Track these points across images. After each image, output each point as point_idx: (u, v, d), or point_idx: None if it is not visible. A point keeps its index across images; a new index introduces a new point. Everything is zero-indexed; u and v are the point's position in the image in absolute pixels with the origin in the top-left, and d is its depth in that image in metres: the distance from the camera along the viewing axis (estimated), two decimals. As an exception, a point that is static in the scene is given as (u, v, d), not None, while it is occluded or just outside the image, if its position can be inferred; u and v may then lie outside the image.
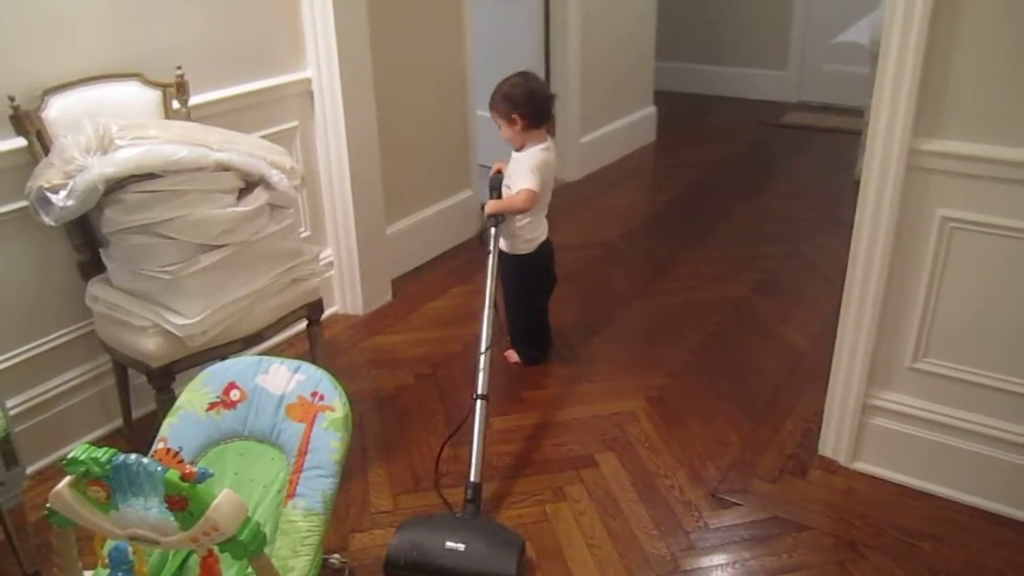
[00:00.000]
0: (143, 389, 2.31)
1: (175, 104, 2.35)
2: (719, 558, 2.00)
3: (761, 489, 2.23)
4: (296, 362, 1.72)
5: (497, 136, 2.66)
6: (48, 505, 1.28)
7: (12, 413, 2.10)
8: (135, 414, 2.46)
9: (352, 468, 2.29)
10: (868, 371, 2.18)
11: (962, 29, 1.83)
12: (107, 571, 1.46)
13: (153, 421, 1.92)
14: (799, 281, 3.45)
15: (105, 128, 1.95)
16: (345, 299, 3.24)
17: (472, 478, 2.08)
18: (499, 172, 2.70)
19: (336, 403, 1.64)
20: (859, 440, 2.26)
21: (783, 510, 2.15)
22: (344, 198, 3.06)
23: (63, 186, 1.90)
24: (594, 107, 4.71)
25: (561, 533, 2.09)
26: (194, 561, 1.54)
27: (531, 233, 2.66)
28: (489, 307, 2.40)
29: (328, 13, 2.80)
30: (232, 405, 1.68)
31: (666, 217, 4.28)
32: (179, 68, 2.35)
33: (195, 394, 1.70)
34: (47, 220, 1.94)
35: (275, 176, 2.14)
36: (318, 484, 1.56)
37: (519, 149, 2.62)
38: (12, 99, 2.05)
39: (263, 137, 2.44)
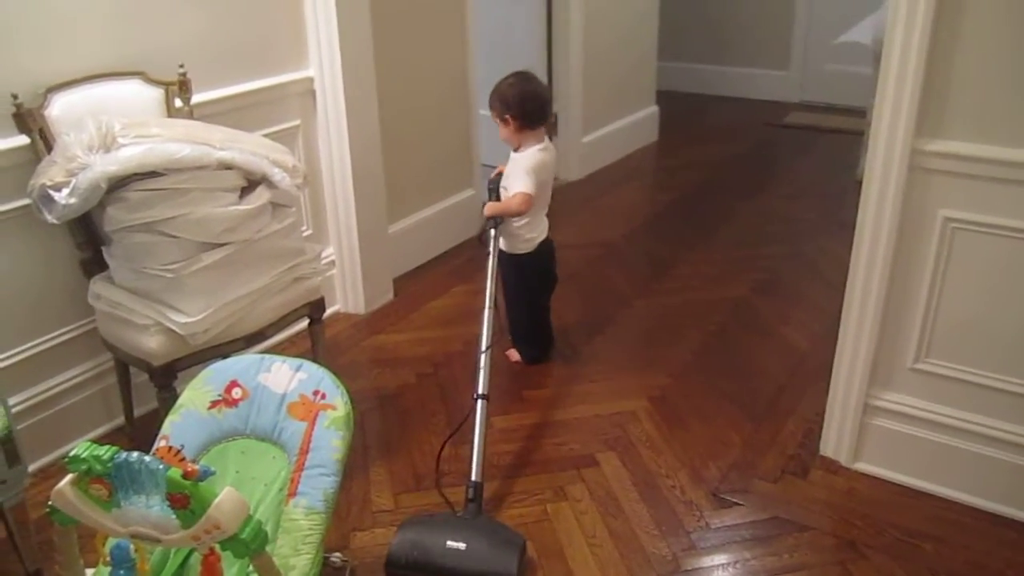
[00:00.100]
0: (145, 387, 2.31)
1: (177, 102, 2.36)
2: (720, 558, 2.00)
3: (762, 489, 2.23)
4: (298, 360, 1.72)
5: (499, 135, 2.66)
6: (50, 503, 1.28)
7: (14, 411, 2.10)
8: (137, 412, 2.46)
9: (353, 467, 2.30)
10: (870, 371, 2.18)
11: (965, 29, 1.83)
12: (109, 569, 1.46)
13: (155, 419, 1.92)
14: (800, 281, 3.45)
15: (108, 126, 1.95)
16: (347, 298, 3.24)
17: (473, 477, 2.08)
18: (500, 174, 2.70)
19: (338, 402, 1.64)
20: (860, 440, 2.26)
21: (784, 510, 2.15)
22: (346, 197, 3.07)
23: (66, 184, 1.91)
24: (596, 106, 4.71)
25: (562, 532, 2.09)
26: (195, 559, 1.54)
27: (530, 233, 2.66)
28: (489, 308, 2.40)
29: (331, 12, 2.80)
30: (234, 403, 1.68)
31: (668, 217, 4.27)
32: (181, 66, 2.35)
33: (197, 392, 1.70)
34: (50, 218, 1.95)
35: (277, 175, 2.14)
36: (319, 483, 1.56)
37: (517, 149, 2.62)
38: (15, 97, 2.06)
39: (265, 136, 2.44)
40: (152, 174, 1.96)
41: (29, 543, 1.90)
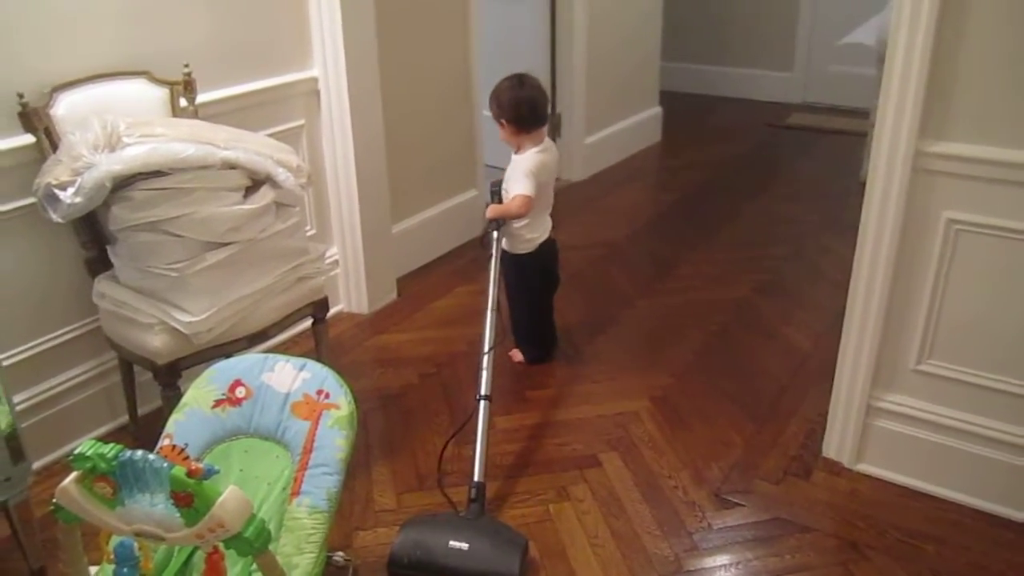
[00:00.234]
0: (148, 386, 2.32)
1: (182, 102, 2.36)
2: (722, 558, 2.01)
3: (764, 490, 2.23)
4: (302, 360, 1.72)
5: (499, 136, 2.66)
6: (54, 500, 1.28)
7: (18, 408, 2.11)
8: (140, 411, 2.47)
9: (356, 466, 2.30)
10: (872, 373, 2.18)
11: (969, 31, 1.83)
12: (112, 567, 1.47)
13: (158, 418, 1.93)
14: (803, 282, 3.45)
15: (113, 126, 1.96)
16: (350, 298, 3.24)
17: (476, 477, 2.09)
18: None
19: (341, 401, 1.64)
20: (863, 442, 2.26)
21: (786, 511, 2.15)
22: (350, 197, 3.07)
23: (71, 183, 1.91)
24: (600, 107, 4.71)
25: (564, 533, 2.10)
26: (199, 557, 1.55)
27: (531, 233, 2.66)
28: (492, 309, 2.41)
29: (335, 12, 2.80)
30: (238, 402, 1.69)
31: (671, 217, 4.28)
32: (186, 66, 2.36)
33: (201, 391, 1.70)
34: (55, 217, 1.95)
35: (281, 174, 2.15)
36: (323, 482, 1.57)
37: (517, 151, 2.62)
38: (21, 96, 2.06)
39: (269, 136, 2.45)
40: (157, 173, 1.97)
41: (33, 541, 1.91)
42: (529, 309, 2.81)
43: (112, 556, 1.47)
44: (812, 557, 2.00)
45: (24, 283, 2.24)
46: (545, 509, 2.18)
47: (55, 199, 1.93)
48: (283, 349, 2.83)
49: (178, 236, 2.01)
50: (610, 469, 2.32)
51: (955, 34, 1.84)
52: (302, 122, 2.93)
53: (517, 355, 2.87)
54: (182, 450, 1.51)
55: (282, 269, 2.24)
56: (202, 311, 2.05)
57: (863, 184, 2.09)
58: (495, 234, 2.58)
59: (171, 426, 1.67)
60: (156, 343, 2.06)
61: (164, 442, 1.63)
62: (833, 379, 2.28)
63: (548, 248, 2.73)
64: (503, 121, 2.58)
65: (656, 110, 5.38)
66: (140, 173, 1.95)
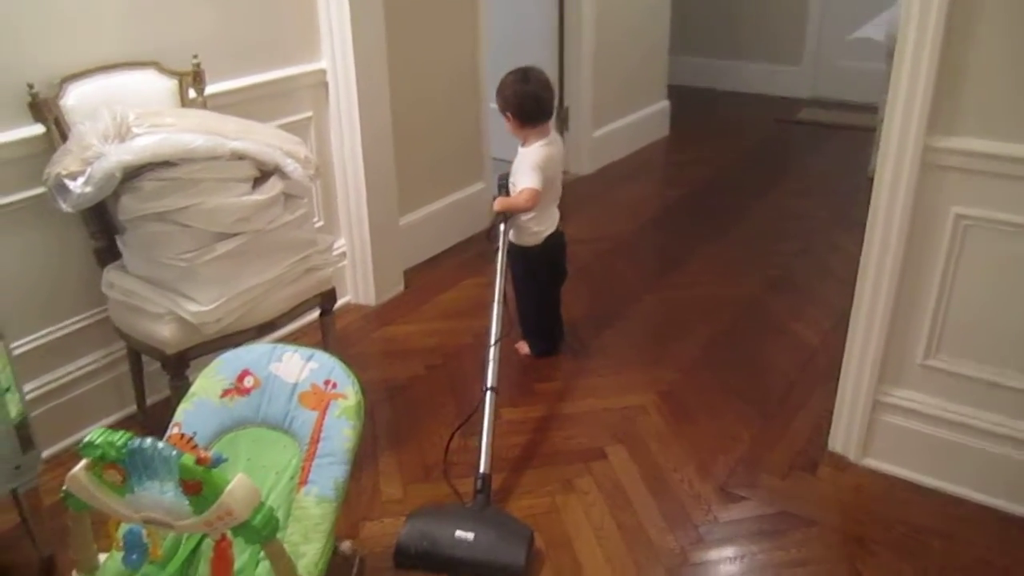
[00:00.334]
0: (157, 376, 2.33)
1: (191, 93, 2.37)
2: (727, 551, 2.01)
3: (770, 484, 2.24)
4: (309, 350, 1.73)
5: (505, 128, 2.67)
6: (64, 488, 1.29)
7: (28, 397, 2.12)
8: (149, 400, 2.48)
9: (363, 457, 2.31)
10: (879, 368, 2.18)
11: (978, 26, 1.82)
12: (121, 554, 1.47)
13: (166, 408, 1.94)
14: (811, 278, 3.44)
15: (122, 116, 1.96)
16: (357, 289, 3.25)
17: (482, 469, 2.10)
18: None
19: (349, 391, 1.65)
20: (869, 437, 2.26)
21: (792, 505, 2.16)
22: (358, 188, 3.08)
23: (81, 173, 1.92)
24: (607, 101, 4.70)
25: (570, 525, 2.10)
26: (207, 545, 1.56)
27: (537, 226, 2.66)
28: (498, 302, 2.41)
29: (344, 4, 2.80)
30: (246, 392, 1.69)
31: (678, 212, 4.27)
32: (195, 57, 2.36)
33: (209, 381, 1.71)
34: (64, 207, 1.96)
35: (290, 165, 2.15)
36: (330, 472, 1.57)
37: (523, 144, 2.62)
38: (31, 86, 2.07)
39: (278, 127, 2.45)
40: (166, 164, 1.98)
41: (43, 528, 1.92)
42: (536, 302, 2.81)
43: (121, 543, 1.48)
44: (818, 551, 2.01)
45: (34, 273, 2.26)
46: (551, 501, 2.18)
47: (65, 189, 1.94)
48: (291, 340, 2.83)
49: (187, 226, 2.02)
50: (616, 462, 2.33)
51: (964, 29, 1.83)
52: (310, 114, 2.94)
53: (524, 348, 2.87)
54: (191, 439, 1.51)
55: (290, 260, 2.25)
56: (211, 301, 2.06)
57: (871, 179, 2.09)
58: (502, 227, 2.58)
59: (179, 415, 1.68)
60: (165, 333, 2.07)
61: (173, 431, 1.64)
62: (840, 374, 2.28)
63: (555, 241, 2.73)
64: (507, 115, 2.59)
65: (664, 104, 5.37)
66: (149, 164, 1.96)
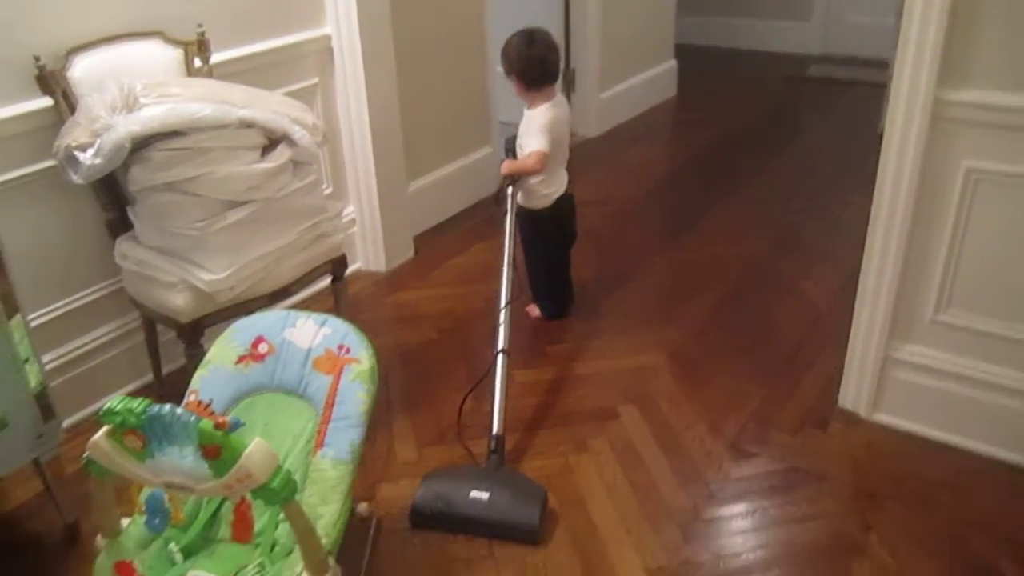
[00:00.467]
0: (172, 345, 2.35)
1: (197, 62, 2.37)
2: (739, 507, 2.03)
3: (781, 441, 2.25)
4: (322, 316, 1.74)
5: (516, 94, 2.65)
6: (86, 455, 1.31)
7: (47, 368, 2.14)
8: (164, 370, 2.51)
9: (377, 421, 2.33)
10: (890, 324, 2.19)
11: (990, -24, 1.80)
12: (144, 518, 1.51)
13: (182, 377, 1.96)
14: (821, 237, 3.44)
15: (129, 87, 1.97)
16: (368, 256, 3.26)
17: (495, 430, 2.12)
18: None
19: (362, 355, 1.67)
20: (880, 393, 2.27)
21: (803, 461, 2.17)
22: (365, 155, 3.07)
23: (90, 144, 1.93)
24: (614, 61, 4.66)
25: (583, 484, 2.13)
26: (227, 508, 1.59)
27: (546, 189, 2.66)
28: (508, 265, 2.42)
29: (347, -32, 2.79)
30: (260, 358, 1.71)
31: (686, 173, 4.25)
32: (200, 26, 2.36)
33: (224, 348, 1.73)
34: (75, 178, 1.97)
35: (298, 132, 2.15)
36: (346, 434, 1.59)
37: (529, 107, 2.61)
38: (37, 59, 2.07)
39: (284, 94, 2.44)
40: (174, 134, 1.98)
41: (65, 496, 1.96)
42: (545, 265, 2.82)
43: (143, 508, 1.51)
44: (828, 506, 2.03)
45: (48, 245, 2.27)
46: (564, 461, 2.21)
47: (75, 161, 1.95)
48: (304, 307, 2.83)
49: (197, 196, 2.03)
50: (628, 422, 2.35)
51: (976, -21, 1.81)
52: (316, 80, 2.93)
53: (534, 311, 2.89)
54: (207, 405, 1.54)
55: (301, 227, 2.26)
56: (223, 269, 2.07)
57: (881, 136, 2.07)
58: (510, 190, 2.58)
59: (196, 382, 1.70)
60: (178, 302, 2.09)
61: (190, 398, 1.66)
62: (850, 331, 2.28)
63: (565, 203, 2.73)
64: (514, 77, 2.57)
65: (671, 64, 5.31)
66: (158, 134, 1.96)
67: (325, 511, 1.52)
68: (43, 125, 2.13)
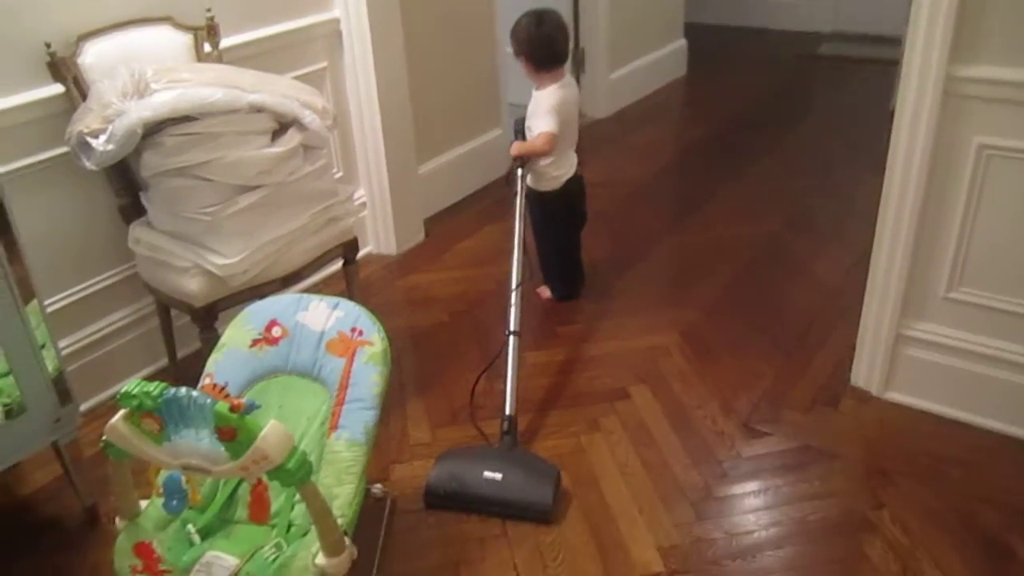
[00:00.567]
0: (186, 329, 2.37)
1: (206, 47, 2.37)
2: (751, 485, 2.04)
3: (793, 419, 2.26)
4: (335, 299, 1.75)
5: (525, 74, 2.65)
6: (104, 438, 1.33)
7: (64, 353, 2.16)
8: (179, 354, 2.53)
9: (391, 403, 2.35)
10: (902, 301, 2.18)
11: (1003, -51, 1.78)
12: (162, 500, 1.53)
13: (196, 361, 1.98)
14: (832, 215, 3.42)
15: (140, 72, 1.97)
16: (379, 239, 3.27)
17: (507, 411, 2.13)
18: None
19: (375, 338, 1.68)
20: (892, 370, 2.27)
21: (815, 439, 2.18)
22: (375, 138, 3.08)
23: (102, 130, 1.94)
24: (623, 41, 4.64)
25: (596, 463, 2.14)
26: (244, 489, 1.61)
27: (556, 171, 2.66)
28: (518, 246, 2.43)
29: (354, -49, 2.78)
30: (274, 342, 1.72)
31: (697, 153, 4.24)
32: (209, 11, 2.36)
33: (238, 331, 1.74)
34: (88, 164, 1.98)
35: (308, 116, 2.15)
36: (360, 416, 1.61)
37: (538, 88, 2.60)
38: (48, 46, 2.08)
39: (294, 78, 2.45)
40: (186, 119, 1.99)
41: (84, 479, 1.98)
42: (556, 246, 2.82)
43: (161, 490, 1.53)
44: (841, 483, 2.03)
45: (63, 231, 2.29)
46: (576, 441, 2.22)
47: (88, 147, 1.96)
48: (315, 290, 2.85)
49: (209, 180, 2.04)
50: (640, 401, 2.36)
51: (988, -47, 1.79)
52: (325, 64, 2.93)
53: (545, 292, 2.89)
54: (222, 388, 1.56)
55: (312, 210, 2.27)
56: (236, 253, 2.09)
57: (893, 114, 2.06)
58: (519, 172, 2.58)
59: (211, 366, 1.72)
60: (192, 286, 2.10)
61: (205, 381, 1.68)
62: (862, 309, 2.28)
63: (575, 185, 2.73)
64: (523, 58, 2.57)
65: (681, 43, 5.28)
66: (169, 119, 1.97)
67: (340, 492, 1.54)
68: (55, 112, 2.14)
